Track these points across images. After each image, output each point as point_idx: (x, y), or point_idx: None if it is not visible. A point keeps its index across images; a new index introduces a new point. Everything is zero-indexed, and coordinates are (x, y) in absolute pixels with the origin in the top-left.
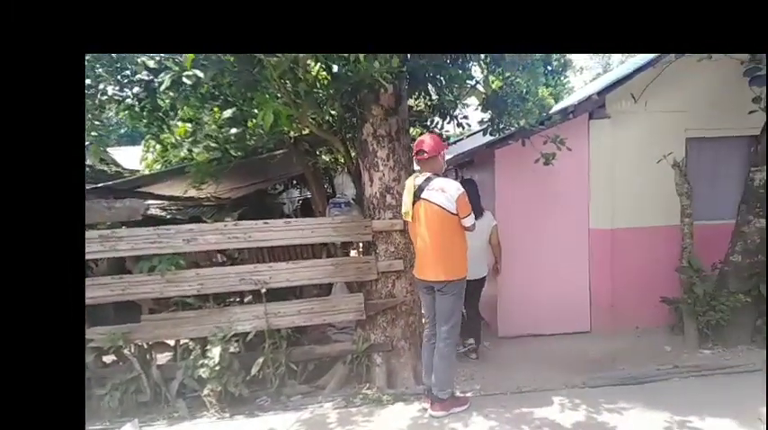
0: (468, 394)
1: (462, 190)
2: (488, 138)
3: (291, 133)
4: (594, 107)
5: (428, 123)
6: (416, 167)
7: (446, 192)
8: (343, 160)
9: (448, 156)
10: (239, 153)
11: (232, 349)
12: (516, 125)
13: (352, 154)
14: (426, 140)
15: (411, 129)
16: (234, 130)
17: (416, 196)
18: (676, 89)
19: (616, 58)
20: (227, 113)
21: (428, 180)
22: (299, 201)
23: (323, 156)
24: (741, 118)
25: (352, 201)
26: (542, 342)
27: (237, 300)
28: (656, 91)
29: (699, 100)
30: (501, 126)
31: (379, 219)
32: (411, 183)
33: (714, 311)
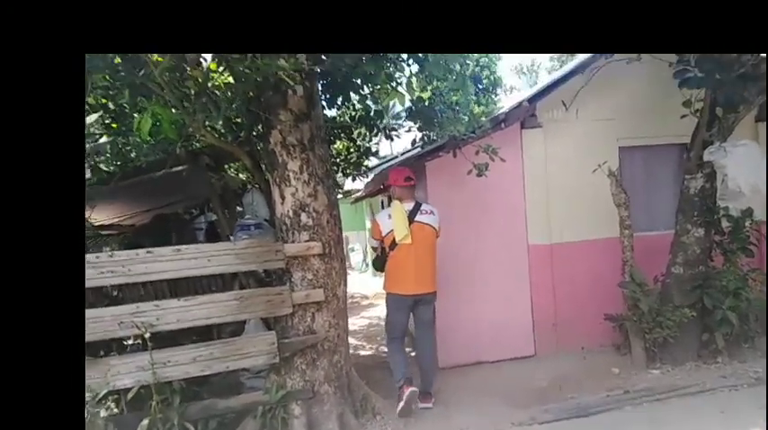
0: None
1: None
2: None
3: (192, 145)
4: (526, 115)
5: (354, 136)
6: (344, 185)
7: (434, 215)
8: (253, 176)
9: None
10: (111, 168)
11: (104, 412)
12: (447, 135)
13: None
14: (408, 169)
15: (337, 143)
16: (104, 139)
17: (410, 220)
18: (606, 96)
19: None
20: (92, 118)
21: (418, 205)
22: (205, 224)
23: (231, 173)
24: (672, 124)
25: (264, 223)
26: (485, 371)
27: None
28: (587, 98)
29: (629, 107)
30: (431, 138)
31: (292, 241)
32: (401, 209)
33: (661, 328)
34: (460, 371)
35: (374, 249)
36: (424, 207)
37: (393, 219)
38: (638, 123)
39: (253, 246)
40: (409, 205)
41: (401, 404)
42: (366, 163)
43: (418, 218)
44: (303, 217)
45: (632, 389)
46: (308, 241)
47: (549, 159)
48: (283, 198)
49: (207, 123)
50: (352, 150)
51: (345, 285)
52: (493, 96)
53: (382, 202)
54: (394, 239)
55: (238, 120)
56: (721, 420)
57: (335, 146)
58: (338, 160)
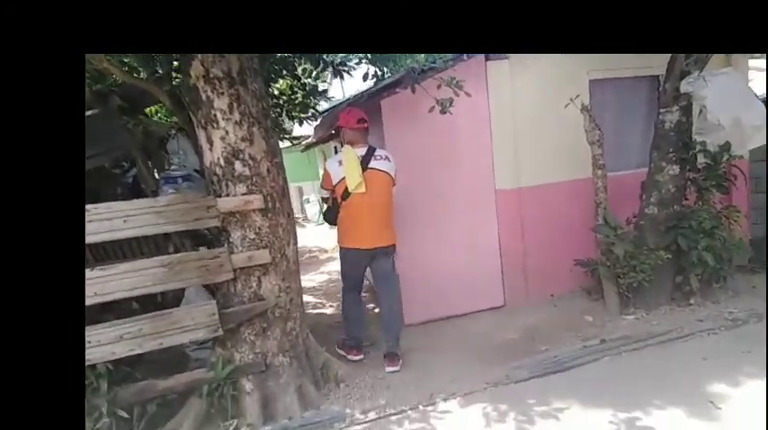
0: (371, 414)
1: None
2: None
3: (98, 84)
4: None
5: (298, 72)
6: (300, 131)
7: (390, 160)
8: (176, 119)
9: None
10: None
11: None
12: (403, 69)
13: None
14: (361, 111)
15: (278, 81)
16: None
17: (364, 167)
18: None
19: None
20: None
21: (371, 150)
22: (129, 178)
23: (160, 117)
24: (642, 56)
25: (194, 174)
26: (454, 326)
27: None
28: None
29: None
30: (384, 74)
31: (227, 195)
32: (353, 155)
33: (635, 272)
34: (428, 328)
35: (325, 200)
36: (378, 152)
37: (344, 166)
38: (610, 54)
39: (177, 202)
40: (362, 150)
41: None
42: (314, 104)
43: (372, 164)
44: (237, 165)
45: (608, 337)
46: (245, 194)
47: (516, 95)
48: (211, 143)
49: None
50: (296, 89)
51: (295, 243)
52: None
53: (335, 148)
54: (346, 188)
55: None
56: (706, 367)
57: (277, 85)
58: (281, 101)
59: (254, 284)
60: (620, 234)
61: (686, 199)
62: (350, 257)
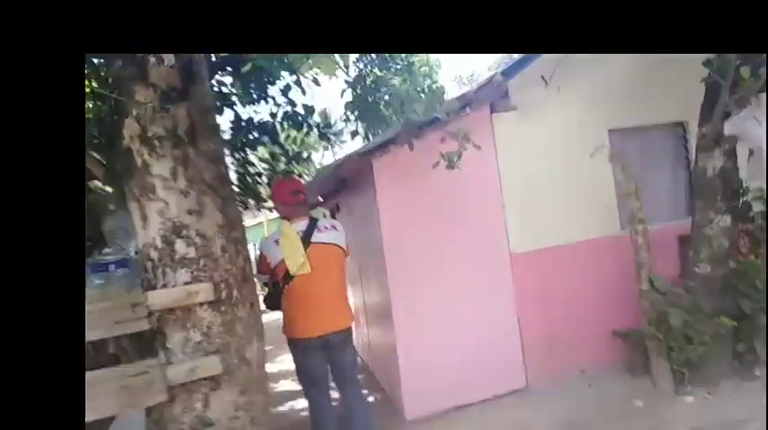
0: None
1: None
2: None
3: None
4: (497, 96)
5: (281, 139)
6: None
7: (338, 229)
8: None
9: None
10: None
11: None
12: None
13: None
14: (296, 181)
15: (260, 149)
16: None
17: (306, 243)
18: (592, 70)
19: None
20: None
21: (313, 221)
22: None
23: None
24: (663, 102)
25: (134, 258)
26: (468, 419)
27: None
28: (570, 74)
29: (617, 82)
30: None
31: (164, 286)
32: (291, 230)
33: (692, 344)
34: (434, 425)
35: (265, 285)
36: (321, 222)
37: (282, 246)
38: (629, 102)
39: (95, 301)
40: (302, 225)
41: None
42: (299, 173)
43: (316, 237)
44: (179, 245)
45: None
46: (189, 283)
47: (528, 149)
48: (145, 219)
49: None
50: (279, 155)
51: (261, 340)
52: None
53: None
54: (287, 271)
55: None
56: None
57: (257, 152)
58: (263, 169)
59: (199, 405)
60: (672, 301)
61: (740, 253)
62: (300, 350)
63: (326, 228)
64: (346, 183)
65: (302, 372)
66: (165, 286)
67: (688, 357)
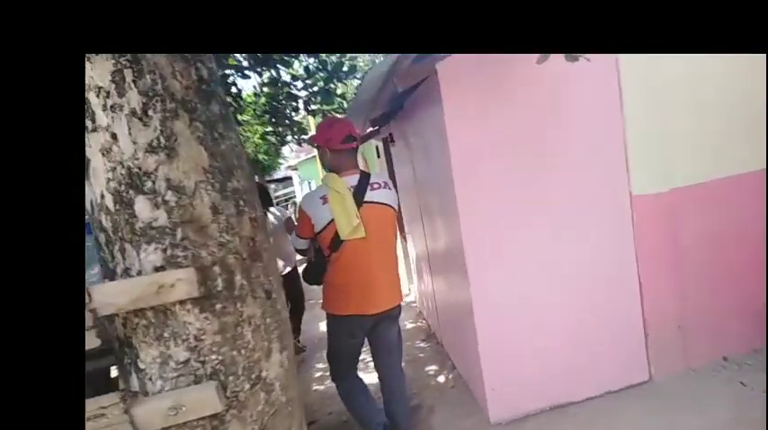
0: None
1: None
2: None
3: None
4: None
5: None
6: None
7: (390, 188)
8: None
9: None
10: None
11: None
12: None
13: None
14: (348, 122)
15: (296, 64)
16: None
17: (359, 202)
18: None
19: None
20: None
21: (365, 176)
22: None
23: None
24: None
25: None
26: (570, 422)
27: None
28: None
29: None
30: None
31: (125, 271)
32: (342, 186)
33: None
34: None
35: (302, 252)
36: (374, 179)
37: (332, 205)
38: None
39: None
40: (352, 179)
41: None
42: (341, 93)
43: (369, 196)
44: (141, 206)
45: None
46: (161, 269)
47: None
48: (87, 164)
49: None
50: (318, 69)
51: (288, 346)
52: None
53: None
54: (336, 235)
55: None
56: None
57: (290, 69)
58: (297, 87)
59: None
60: None
61: None
62: (346, 329)
63: (379, 185)
64: (403, 101)
65: (342, 354)
66: (127, 272)
67: None
